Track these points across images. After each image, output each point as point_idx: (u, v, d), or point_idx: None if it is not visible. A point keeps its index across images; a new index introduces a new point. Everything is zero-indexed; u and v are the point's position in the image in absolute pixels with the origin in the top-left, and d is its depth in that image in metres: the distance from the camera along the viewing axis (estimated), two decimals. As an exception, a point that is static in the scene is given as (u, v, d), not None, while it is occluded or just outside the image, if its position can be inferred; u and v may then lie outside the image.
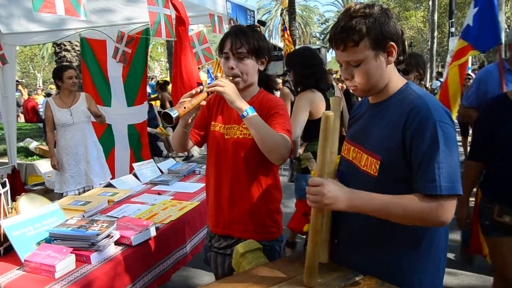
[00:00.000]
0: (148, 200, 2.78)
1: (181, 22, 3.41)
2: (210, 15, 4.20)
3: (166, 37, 3.24)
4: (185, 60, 3.46)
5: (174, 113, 1.60)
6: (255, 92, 1.96)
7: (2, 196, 1.98)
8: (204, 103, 1.75)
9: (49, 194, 4.87)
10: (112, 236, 1.96)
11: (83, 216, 2.41)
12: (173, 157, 7.31)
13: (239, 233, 1.92)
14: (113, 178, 4.42)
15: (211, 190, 2.00)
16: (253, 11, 5.00)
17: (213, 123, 2.01)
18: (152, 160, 3.72)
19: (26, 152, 7.69)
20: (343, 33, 1.32)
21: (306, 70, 3.04)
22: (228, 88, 1.73)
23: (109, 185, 3.28)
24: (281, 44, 12.21)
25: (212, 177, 1.98)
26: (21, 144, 8.09)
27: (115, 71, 5.09)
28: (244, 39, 1.85)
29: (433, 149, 1.25)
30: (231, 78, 1.86)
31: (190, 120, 1.85)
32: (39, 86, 26.62)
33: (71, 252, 1.81)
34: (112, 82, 5.13)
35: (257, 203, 1.90)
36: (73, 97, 4.35)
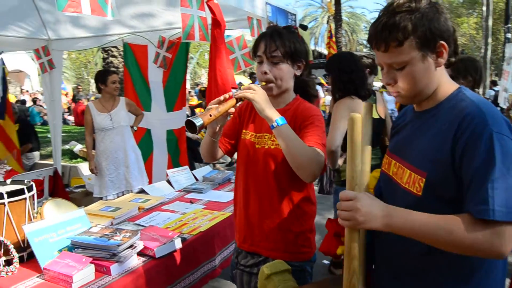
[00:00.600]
0: (179, 209, 2.69)
1: (216, 24, 3.32)
2: (249, 18, 4.09)
3: (200, 40, 3.16)
4: (220, 63, 3.35)
5: (198, 121, 1.48)
6: (290, 99, 1.81)
7: (27, 200, 1.93)
8: (232, 110, 1.62)
9: (89, 196, 4.92)
10: (135, 247, 1.87)
11: (112, 223, 2.35)
12: (214, 163, 7.22)
13: (267, 252, 1.77)
14: (150, 183, 4.40)
15: (239, 202, 1.87)
16: (294, 15, 4.84)
17: (244, 131, 1.88)
18: (187, 166, 3.65)
19: (71, 155, 7.88)
20: (385, 31, 1.15)
21: (345, 76, 2.86)
22: (258, 95, 1.59)
23: (142, 191, 3.23)
24: (326, 52, 11.99)
25: (241, 188, 1.85)
26: (67, 146, 8.31)
27: (155, 76, 5.09)
28: (279, 41, 1.71)
29: (487, 165, 1.04)
30: (264, 83, 1.73)
31: (217, 129, 1.72)
32: (93, 91, 27.87)
33: (91, 262, 1.74)
34: (152, 87, 5.14)
35: (288, 220, 1.74)
36: (113, 102, 4.39)
